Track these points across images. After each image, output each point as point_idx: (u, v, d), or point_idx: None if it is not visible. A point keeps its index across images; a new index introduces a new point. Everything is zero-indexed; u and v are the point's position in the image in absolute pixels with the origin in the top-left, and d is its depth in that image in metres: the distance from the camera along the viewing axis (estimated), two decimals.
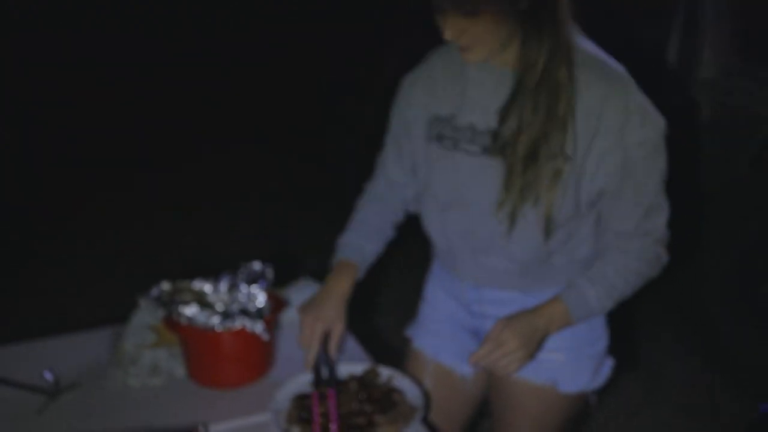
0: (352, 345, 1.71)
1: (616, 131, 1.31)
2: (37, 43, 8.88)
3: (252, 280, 1.63)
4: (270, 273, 1.64)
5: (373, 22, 5.92)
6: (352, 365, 1.55)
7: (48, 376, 1.53)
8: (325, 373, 1.45)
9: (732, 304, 3.01)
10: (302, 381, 1.50)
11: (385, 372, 1.53)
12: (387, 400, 1.45)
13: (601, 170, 1.34)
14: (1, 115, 7.62)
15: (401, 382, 1.51)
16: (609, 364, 1.58)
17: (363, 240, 1.57)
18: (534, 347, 1.37)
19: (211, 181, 6.79)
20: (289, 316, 1.68)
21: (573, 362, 1.52)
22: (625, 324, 3.30)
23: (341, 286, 1.52)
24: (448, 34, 1.30)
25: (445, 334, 1.64)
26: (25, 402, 1.49)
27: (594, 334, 1.54)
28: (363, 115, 5.29)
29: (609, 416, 2.81)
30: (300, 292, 1.73)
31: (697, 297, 3.17)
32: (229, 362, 1.57)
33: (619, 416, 2.86)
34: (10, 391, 1.52)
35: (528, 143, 1.32)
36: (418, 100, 1.50)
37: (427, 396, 1.51)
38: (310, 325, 1.46)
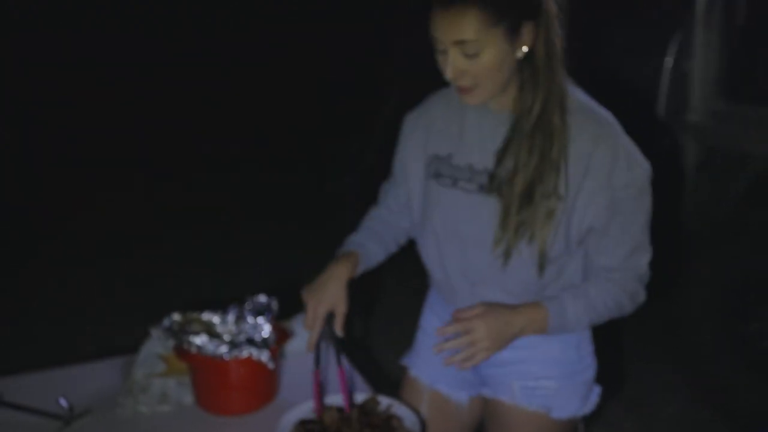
0: (354, 376, 1.80)
1: (605, 174, 1.41)
2: (37, 43, 8.90)
3: (258, 312, 1.71)
4: (275, 305, 1.73)
5: (373, 22, 5.99)
6: (354, 394, 1.64)
7: (63, 403, 1.62)
8: (323, 351, 1.59)
9: (722, 340, 3.12)
10: (305, 408, 1.59)
11: (384, 401, 1.62)
12: (386, 426, 1.54)
13: (590, 209, 1.43)
14: (1, 115, 7.66)
15: (399, 409, 1.59)
16: (597, 391, 1.67)
17: (367, 240, 1.67)
18: (502, 344, 1.46)
19: (211, 180, 6.87)
20: (293, 347, 1.77)
21: (565, 389, 1.60)
22: (620, 361, 3.42)
23: (342, 270, 1.59)
24: (449, 73, 1.39)
25: (441, 363, 1.72)
26: (43, 428, 1.58)
27: (584, 363, 1.63)
28: (366, 123, 5.42)
29: None
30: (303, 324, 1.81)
31: (687, 333, 3.28)
32: (235, 390, 1.66)
33: None
34: (29, 418, 1.61)
35: (523, 183, 1.41)
36: (416, 140, 1.60)
37: (423, 423, 1.60)
38: (314, 308, 1.55)
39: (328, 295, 1.56)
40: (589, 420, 1.69)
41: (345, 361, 1.62)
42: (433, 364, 1.72)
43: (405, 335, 1.90)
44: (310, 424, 1.54)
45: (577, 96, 1.46)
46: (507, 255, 1.46)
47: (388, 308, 3.82)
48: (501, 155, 1.45)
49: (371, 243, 1.67)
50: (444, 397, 1.72)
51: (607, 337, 1.58)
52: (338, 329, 1.58)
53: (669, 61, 3.07)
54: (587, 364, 1.63)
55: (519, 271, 1.48)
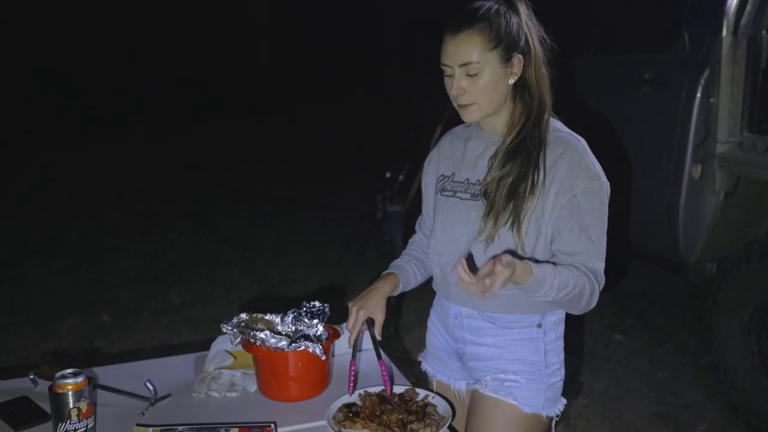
0: (393, 371, 2.17)
1: (567, 180, 1.83)
2: (37, 43, 9.46)
3: (313, 315, 2.09)
4: (327, 309, 2.11)
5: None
6: (397, 387, 2.00)
7: (149, 385, 2.02)
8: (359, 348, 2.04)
9: (750, 361, 3.38)
10: (352, 397, 1.95)
11: (422, 392, 1.99)
12: (423, 412, 1.91)
13: (556, 208, 1.84)
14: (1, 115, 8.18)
15: (434, 399, 1.96)
16: (563, 401, 2.04)
17: (406, 264, 2.14)
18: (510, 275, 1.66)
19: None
20: (341, 346, 2.16)
21: (530, 386, 1.97)
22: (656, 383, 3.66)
23: (383, 285, 2.05)
24: (453, 91, 1.85)
25: (441, 357, 2.16)
26: (133, 406, 2.00)
27: (551, 368, 1.99)
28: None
29: None
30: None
31: (717, 354, 3.54)
32: (293, 379, 2.04)
33: None
34: (122, 398, 2.03)
35: (508, 185, 1.85)
36: (431, 168, 2.11)
37: (454, 411, 1.94)
38: (355, 313, 1.99)
39: (370, 304, 2.00)
40: None
41: (384, 356, 1.98)
42: (435, 359, 2.18)
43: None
44: (353, 406, 1.90)
45: (555, 123, 1.92)
46: (490, 240, 1.86)
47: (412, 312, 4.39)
48: (491, 166, 1.90)
49: (410, 266, 2.13)
50: (446, 385, 2.16)
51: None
52: (377, 333, 2.00)
53: (698, 101, 3.41)
54: (553, 370, 2.00)
55: None
